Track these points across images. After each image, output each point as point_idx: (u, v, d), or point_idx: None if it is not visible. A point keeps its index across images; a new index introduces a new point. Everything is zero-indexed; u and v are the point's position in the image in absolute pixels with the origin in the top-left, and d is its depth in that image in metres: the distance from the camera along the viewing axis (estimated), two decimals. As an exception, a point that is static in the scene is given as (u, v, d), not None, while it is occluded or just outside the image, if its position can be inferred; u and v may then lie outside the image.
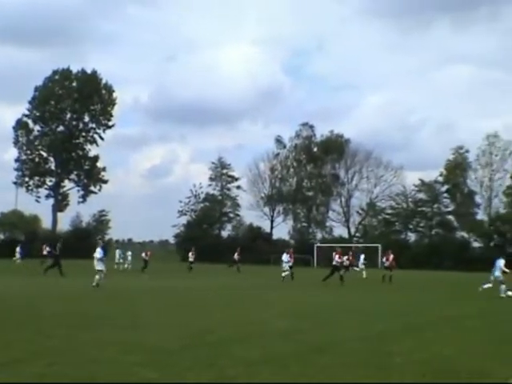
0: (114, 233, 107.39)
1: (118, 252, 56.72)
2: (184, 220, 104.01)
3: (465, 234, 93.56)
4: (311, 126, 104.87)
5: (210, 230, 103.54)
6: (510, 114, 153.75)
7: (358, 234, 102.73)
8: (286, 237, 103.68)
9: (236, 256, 60.94)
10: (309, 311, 21.15)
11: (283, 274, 42.93)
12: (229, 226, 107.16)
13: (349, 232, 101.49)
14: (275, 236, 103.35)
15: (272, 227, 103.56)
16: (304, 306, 23.23)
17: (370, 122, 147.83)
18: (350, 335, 15.16)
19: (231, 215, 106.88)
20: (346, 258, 41.31)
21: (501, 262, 30.68)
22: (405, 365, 11.22)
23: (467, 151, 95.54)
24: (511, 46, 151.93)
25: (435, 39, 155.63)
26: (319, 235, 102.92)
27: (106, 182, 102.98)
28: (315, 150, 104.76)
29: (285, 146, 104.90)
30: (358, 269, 51.56)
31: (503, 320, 20.18)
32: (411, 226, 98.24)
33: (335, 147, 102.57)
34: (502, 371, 10.78)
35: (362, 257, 52.77)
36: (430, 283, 43.71)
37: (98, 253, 30.97)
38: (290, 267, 44.19)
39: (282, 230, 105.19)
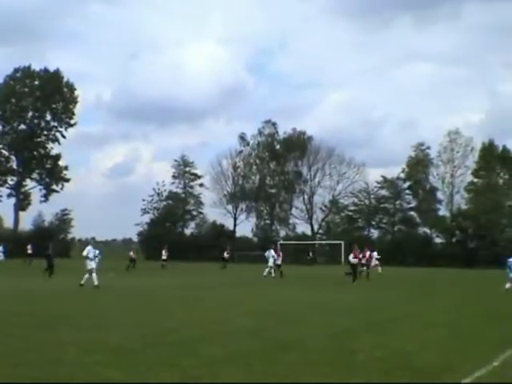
0: (77, 232, 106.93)
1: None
2: (147, 218, 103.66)
3: (427, 230, 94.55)
4: (274, 124, 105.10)
5: (173, 228, 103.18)
6: (471, 111, 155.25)
7: (321, 231, 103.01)
8: (250, 234, 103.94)
9: (225, 254, 61.43)
10: (273, 309, 21.07)
11: (266, 271, 43.72)
12: (192, 224, 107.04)
13: (312, 229, 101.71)
14: (238, 233, 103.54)
15: (235, 225, 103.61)
16: (268, 304, 23.14)
17: (332, 119, 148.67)
18: (313, 333, 15.15)
19: (194, 213, 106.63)
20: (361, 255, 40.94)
21: None
22: (368, 362, 11.23)
23: (428, 148, 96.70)
24: (472, 43, 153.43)
25: (397, 37, 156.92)
26: (282, 232, 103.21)
27: (68, 180, 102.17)
28: (278, 147, 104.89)
29: (248, 144, 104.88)
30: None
31: (466, 315, 20.30)
32: (374, 223, 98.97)
33: (298, 144, 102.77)
34: (464, 367, 10.79)
35: (375, 254, 52.62)
36: (393, 280, 43.91)
37: (88, 251, 30.74)
38: (279, 265, 44.94)
39: (245, 227, 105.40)
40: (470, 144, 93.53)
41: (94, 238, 39.29)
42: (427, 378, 10.07)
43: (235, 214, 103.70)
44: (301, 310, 21.06)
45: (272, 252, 45.57)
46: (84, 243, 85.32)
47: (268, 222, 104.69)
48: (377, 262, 51.80)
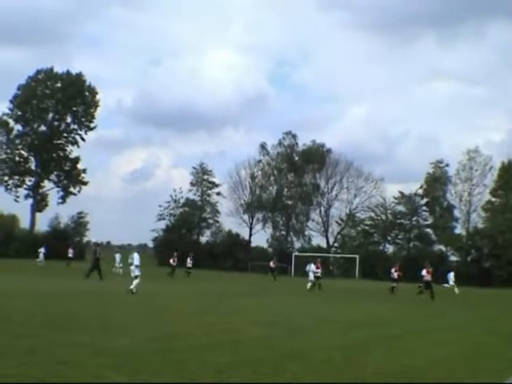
0: (92, 235, 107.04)
1: (117, 256, 57.20)
2: (163, 224, 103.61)
3: (442, 248, 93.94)
4: (294, 135, 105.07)
5: (188, 235, 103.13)
6: (491, 130, 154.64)
7: (336, 244, 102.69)
8: (265, 244, 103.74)
9: (272, 264, 61.41)
10: (283, 319, 20.99)
11: (309, 285, 44.08)
12: (207, 232, 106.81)
13: (327, 242, 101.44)
14: (253, 243, 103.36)
15: (251, 234, 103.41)
16: (279, 314, 23.10)
17: (351, 133, 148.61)
18: (323, 344, 15.10)
19: (210, 221, 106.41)
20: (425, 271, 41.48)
21: None
22: (377, 375, 11.17)
23: (447, 165, 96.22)
24: (495, 62, 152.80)
25: (419, 53, 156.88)
26: (297, 244, 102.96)
27: (86, 183, 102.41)
28: (296, 158, 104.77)
29: (268, 153, 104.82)
30: (447, 285, 52.30)
31: (477, 334, 20.17)
32: (389, 238, 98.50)
33: (316, 157, 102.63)
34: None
35: (452, 274, 53.68)
36: (406, 295, 43.70)
37: (135, 259, 31.09)
38: (318, 277, 45.08)
39: (261, 237, 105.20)
40: (489, 163, 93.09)
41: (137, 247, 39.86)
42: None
43: (251, 224, 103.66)
44: (310, 321, 21.00)
45: (313, 266, 46.25)
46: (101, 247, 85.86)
47: (284, 233, 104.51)
48: (453, 284, 52.40)
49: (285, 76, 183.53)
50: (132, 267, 30.79)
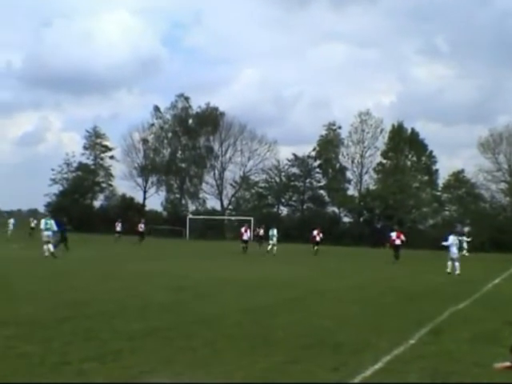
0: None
1: (11, 221, 56.30)
2: (56, 189, 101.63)
3: (336, 209, 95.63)
4: (186, 98, 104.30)
5: (81, 199, 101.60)
6: (382, 94, 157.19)
7: (230, 207, 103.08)
8: (159, 208, 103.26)
9: (140, 228, 61.54)
10: (188, 284, 20.92)
11: (269, 247, 46.86)
12: (101, 196, 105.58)
13: (221, 204, 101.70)
14: (148, 207, 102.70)
15: (145, 198, 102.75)
16: (183, 278, 23.01)
17: (245, 95, 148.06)
18: (231, 308, 15.13)
19: (104, 185, 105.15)
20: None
21: None
22: (288, 338, 11.23)
23: (340, 127, 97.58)
24: (387, 27, 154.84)
25: (314, 17, 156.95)
26: (192, 207, 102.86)
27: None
28: (190, 121, 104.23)
29: (161, 117, 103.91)
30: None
31: (379, 293, 20.59)
32: (283, 200, 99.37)
33: (210, 120, 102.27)
34: (382, 344, 10.93)
35: (465, 238, 54.67)
36: (304, 256, 44.33)
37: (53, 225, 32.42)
38: (246, 241, 48.06)
39: (155, 201, 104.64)
40: (380, 126, 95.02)
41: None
42: (346, 354, 10.12)
43: (145, 188, 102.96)
44: (216, 285, 21.06)
45: (275, 231, 48.97)
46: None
47: (178, 196, 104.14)
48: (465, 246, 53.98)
49: (179, 39, 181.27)
50: (48, 233, 31.16)
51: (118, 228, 60.40)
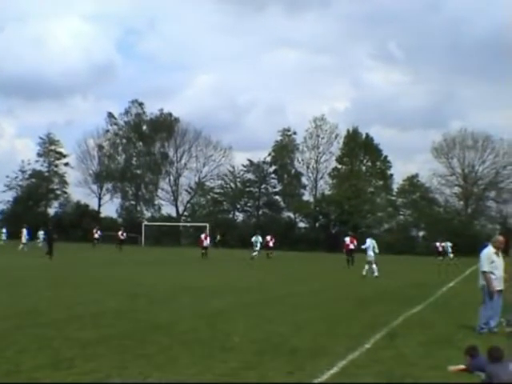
0: None
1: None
2: (10, 196, 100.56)
3: (291, 215, 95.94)
4: (141, 104, 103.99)
5: (35, 207, 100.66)
6: (337, 100, 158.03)
7: (186, 213, 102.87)
8: (114, 215, 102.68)
9: (96, 235, 63.60)
10: (142, 290, 20.75)
11: (253, 254, 47.62)
12: (56, 203, 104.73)
13: (177, 211, 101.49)
14: (103, 214, 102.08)
15: (100, 205, 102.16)
16: (137, 285, 22.86)
17: (199, 102, 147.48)
18: (185, 313, 15.08)
19: (58, 192, 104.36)
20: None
21: None
22: (243, 343, 11.19)
23: (295, 133, 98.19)
24: (340, 32, 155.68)
25: (268, 23, 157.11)
26: (147, 213, 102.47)
27: None
28: (144, 127, 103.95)
29: (116, 123, 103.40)
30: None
31: (334, 298, 20.64)
32: (239, 206, 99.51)
33: (165, 126, 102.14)
34: (337, 349, 10.94)
35: (449, 243, 59.20)
36: (257, 262, 44.30)
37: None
38: (206, 247, 49.66)
39: (110, 207, 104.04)
40: (335, 131, 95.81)
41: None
42: (302, 359, 10.09)
43: (100, 194, 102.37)
44: (169, 291, 20.97)
45: (260, 237, 51.24)
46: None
47: (133, 202, 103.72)
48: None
49: (132, 45, 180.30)
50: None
51: (97, 235, 61.59)
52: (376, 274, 30.68)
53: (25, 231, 55.59)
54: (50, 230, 43.50)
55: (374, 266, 31.08)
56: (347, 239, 42.00)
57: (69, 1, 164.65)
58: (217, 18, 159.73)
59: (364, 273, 31.17)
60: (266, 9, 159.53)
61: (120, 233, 64.39)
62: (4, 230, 63.28)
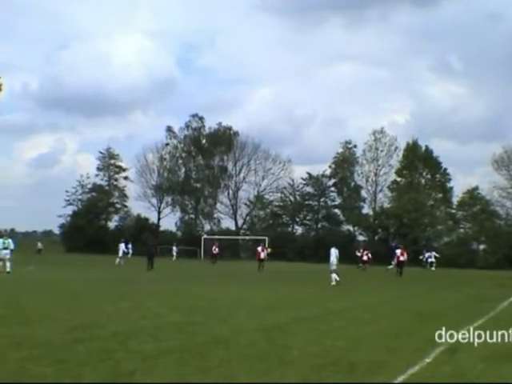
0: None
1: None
2: (70, 210, 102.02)
3: (350, 228, 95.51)
4: (201, 118, 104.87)
5: (96, 220, 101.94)
6: (396, 112, 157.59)
7: (245, 226, 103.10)
8: (174, 228, 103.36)
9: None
10: (201, 304, 20.86)
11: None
12: (116, 217, 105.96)
13: (236, 224, 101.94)
14: (162, 227, 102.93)
15: (159, 218, 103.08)
16: (195, 299, 22.95)
17: (259, 115, 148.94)
18: (243, 328, 15.06)
19: (118, 206, 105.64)
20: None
21: None
22: (302, 358, 11.17)
23: (355, 146, 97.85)
24: (398, 46, 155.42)
25: (327, 37, 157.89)
26: (207, 227, 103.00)
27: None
28: (204, 141, 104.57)
29: (175, 137, 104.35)
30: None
31: (392, 312, 20.49)
32: (298, 219, 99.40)
33: (224, 139, 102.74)
34: (397, 363, 10.86)
35: (433, 253, 62.68)
36: (317, 276, 44.13)
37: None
38: (262, 260, 50.20)
39: (170, 221, 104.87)
40: (394, 143, 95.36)
41: (6, 230, 41.07)
42: (361, 374, 10.07)
43: (159, 208, 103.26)
44: (228, 305, 20.96)
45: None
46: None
47: (193, 216, 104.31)
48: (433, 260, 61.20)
49: (192, 60, 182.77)
50: (6, 251, 33.21)
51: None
52: (333, 283, 31.99)
53: (122, 245, 55.42)
54: (150, 246, 45.54)
55: (334, 274, 32.38)
56: (398, 251, 42.42)
57: (131, 18, 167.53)
58: (275, 32, 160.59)
59: (333, 283, 32.14)
60: (325, 23, 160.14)
61: (213, 248, 65.51)
62: (123, 245, 56.87)
